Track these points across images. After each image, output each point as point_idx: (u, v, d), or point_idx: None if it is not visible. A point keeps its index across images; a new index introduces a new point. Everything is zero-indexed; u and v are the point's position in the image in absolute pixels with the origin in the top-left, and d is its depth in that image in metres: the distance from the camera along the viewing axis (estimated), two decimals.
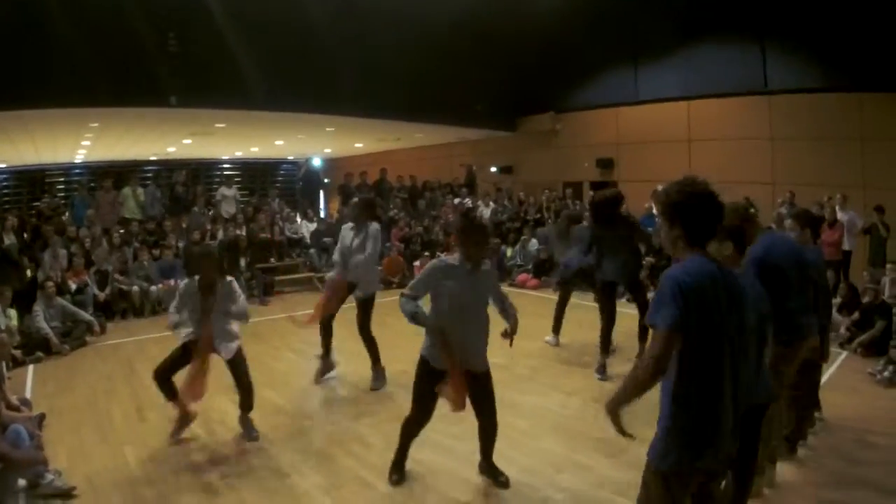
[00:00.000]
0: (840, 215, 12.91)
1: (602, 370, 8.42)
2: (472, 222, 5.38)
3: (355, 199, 9.09)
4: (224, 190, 17.94)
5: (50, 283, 10.88)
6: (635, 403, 3.01)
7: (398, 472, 5.50)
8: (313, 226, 17.28)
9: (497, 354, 9.14)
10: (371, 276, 8.19)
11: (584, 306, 10.60)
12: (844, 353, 9.32)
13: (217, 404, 7.59)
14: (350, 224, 8.25)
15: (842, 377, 8.28)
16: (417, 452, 5.58)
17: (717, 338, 2.99)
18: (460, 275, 5.04)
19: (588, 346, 9.62)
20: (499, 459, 5.73)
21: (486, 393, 5.22)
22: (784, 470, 5.32)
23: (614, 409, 3.13)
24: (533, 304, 10.57)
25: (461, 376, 4.99)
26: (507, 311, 5.21)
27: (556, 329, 10.14)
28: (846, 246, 12.90)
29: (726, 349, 3.02)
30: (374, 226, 8.10)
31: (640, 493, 3.22)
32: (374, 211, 8.60)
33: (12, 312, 10.20)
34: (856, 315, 9.85)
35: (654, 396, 3.06)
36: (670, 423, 3.05)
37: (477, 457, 5.59)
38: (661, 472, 3.09)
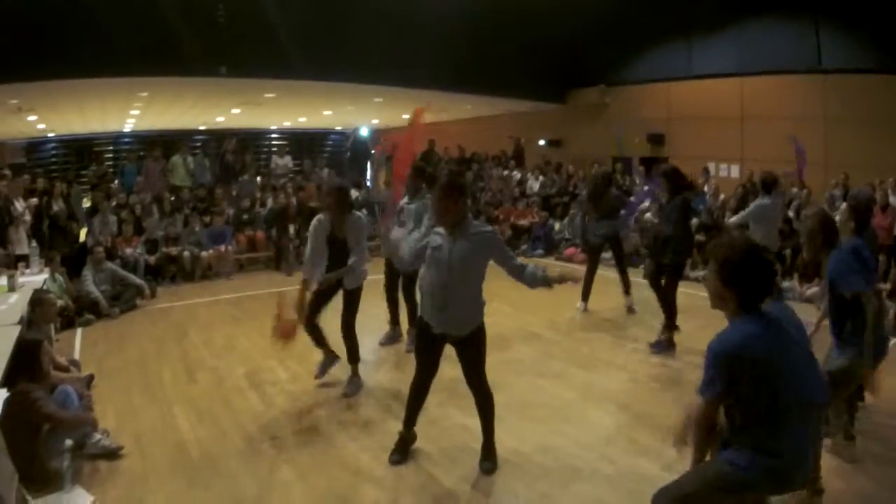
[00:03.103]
0: (892, 199, 12.57)
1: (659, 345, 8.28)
2: (442, 184, 4.92)
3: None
4: (276, 159, 18.06)
5: (99, 249, 10.96)
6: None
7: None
8: (361, 194, 17.25)
9: (544, 326, 9.27)
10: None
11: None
12: (893, 340, 9.11)
13: (268, 366, 7.66)
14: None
15: (889, 362, 8.08)
16: (464, 417, 5.53)
17: (775, 388, 2.96)
18: (438, 239, 4.88)
19: (635, 319, 9.70)
20: (547, 430, 5.71)
21: (466, 362, 5.01)
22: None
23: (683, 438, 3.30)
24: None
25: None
26: (526, 275, 4.86)
27: (585, 296, 10.21)
28: None
29: (789, 391, 2.98)
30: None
31: (687, 486, 3.17)
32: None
33: (58, 277, 10.33)
34: None
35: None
36: (754, 461, 3.01)
37: (522, 429, 5.56)
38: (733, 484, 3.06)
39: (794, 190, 14.39)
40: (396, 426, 5.40)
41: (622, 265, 10.25)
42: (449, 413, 6.11)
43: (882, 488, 4.82)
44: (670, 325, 8.27)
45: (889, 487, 4.82)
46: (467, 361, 5.00)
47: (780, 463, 2.97)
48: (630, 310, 10.09)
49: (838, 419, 5.23)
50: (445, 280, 4.80)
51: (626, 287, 10.19)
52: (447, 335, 4.94)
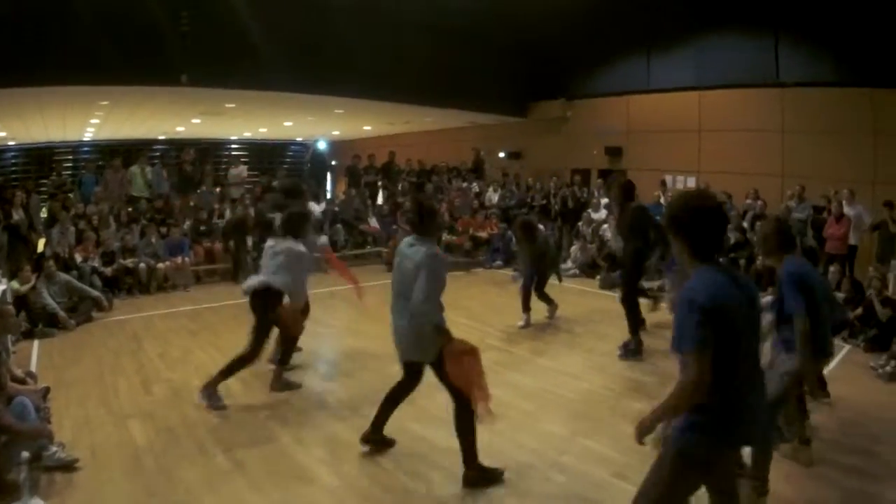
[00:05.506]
0: (847, 210, 12.84)
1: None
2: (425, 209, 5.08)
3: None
4: (231, 169, 18.02)
5: (50, 263, 10.77)
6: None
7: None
8: (321, 207, 17.22)
9: (499, 337, 9.36)
10: None
11: (584, 292, 10.63)
12: (847, 347, 9.29)
13: None
14: None
15: (843, 370, 8.26)
16: (422, 429, 5.60)
17: (736, 339, 3.01)
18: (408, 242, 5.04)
19: (587, 328, 9.90)
20: (502, 440, 5.79)
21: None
22: None
23: (651, 426, 3.16)
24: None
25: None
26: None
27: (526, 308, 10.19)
28: (852, 241, 12.83)
29: (744, 345, 3.05)
30: None
31: (652, 474, 3.21)
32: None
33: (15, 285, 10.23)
34: (860, 311, 9.79)
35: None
36: (700, 418, 3.04)
37: (484, 433, 5.64)
38: (689, 455, 3.09)
39: (749, 201, 14.63)
40: (350, 436, 5.46)
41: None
42: (406, 425, 6.14)
43: (835, 495, 4.96)
44: (635, 331, 8.51)
45: (842, 494, 4.97)
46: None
47: (732, 416, 3.04)
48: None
49: (790, 426, 5.38)
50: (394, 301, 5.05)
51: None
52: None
